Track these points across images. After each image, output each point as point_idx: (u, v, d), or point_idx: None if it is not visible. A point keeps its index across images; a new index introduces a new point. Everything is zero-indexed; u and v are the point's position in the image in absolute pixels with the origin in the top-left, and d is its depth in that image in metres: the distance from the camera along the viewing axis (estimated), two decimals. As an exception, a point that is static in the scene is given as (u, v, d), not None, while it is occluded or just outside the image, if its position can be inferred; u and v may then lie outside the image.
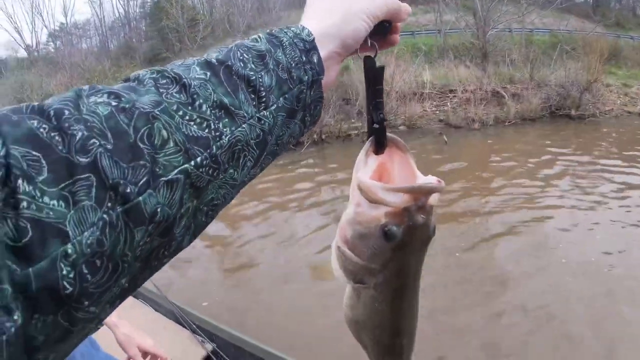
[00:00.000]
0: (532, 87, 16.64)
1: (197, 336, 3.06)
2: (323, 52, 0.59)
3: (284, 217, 8.51)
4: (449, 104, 16.28)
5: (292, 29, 0.58)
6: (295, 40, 0.57)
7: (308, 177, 10.96)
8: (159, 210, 0.42)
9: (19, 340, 0.34)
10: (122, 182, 0.39)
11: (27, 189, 0.35)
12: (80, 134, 0.39)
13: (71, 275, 0.37)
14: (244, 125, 0.50)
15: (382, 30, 0.66)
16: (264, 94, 0.52)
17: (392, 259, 0.63)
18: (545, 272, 5.78)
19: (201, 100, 0.47)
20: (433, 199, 0.60)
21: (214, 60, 0.51)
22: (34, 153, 0.36)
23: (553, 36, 22.49)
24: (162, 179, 0.42)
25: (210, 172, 0.46)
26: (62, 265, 0.36)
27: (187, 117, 0.45)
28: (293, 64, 0.55)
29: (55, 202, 0.36)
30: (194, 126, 0.45)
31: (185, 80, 0.47)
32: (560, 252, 6.28)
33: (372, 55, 0.67)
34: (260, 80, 0.52)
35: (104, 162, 0.39)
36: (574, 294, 5.20)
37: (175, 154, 0.43)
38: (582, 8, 29.88)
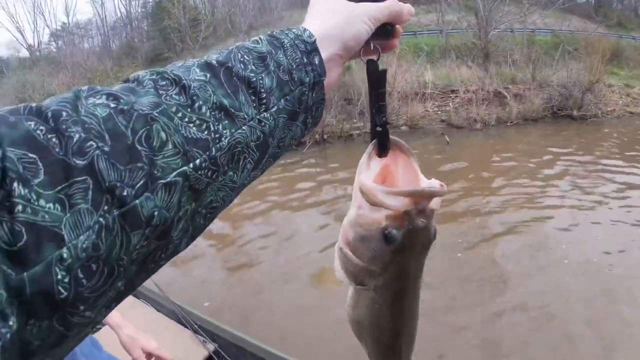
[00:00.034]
0: (534, 87, 16.62)
1: (199, 336, 3.06)
2: (324, 54, 0.58)
3: (285, 216, 8.52)
4: (450, 104, 16.26)
5: (294, 30, 0.58)
6: (296, 42, 0.56)
7: (310, 176, 10.96)
8: (156, 213, 0.41)
9: (15, 346, 0.34)
10: (119, 184, 0.39)
11: (22, 192, 0.35)
12: (77, 136, 0.38)
13: (66, 280, 0.36)
14: (244, 127, 0.49)
15: (385, 33, 0.66)
16: (264, 95, 0.52)
17: (392, 262, 0.63)
18: (546, 271, 5.78)
19: (201, 102, 0.47)
20: (434, 203, 0.61)
21: (214, 62, 0.50)
22: (31, 155, 0.36)
23: (555, 36, 22.45)
24: (160, 181, 0.41)
25: (209, 174, 0.46)
26: (57, 270, 0.36)
27: (186, 119, 0.45)
28: (294, 66, 0.55)
29: (51, 205, 0.36)
30: (193, 128, 0.45)
31: (185, 81, 0.47)
32: (560, 252, 6.27)
33: (375, 59, 0.67)
34: (261, 81, 0.52)
35: (101, 164, 0.38)
36: (574, 293, 5.20)
37: (174, 156, 0.43)
38: (584, 8, 29.83)
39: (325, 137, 14.08)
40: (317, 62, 0.57)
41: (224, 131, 0.47)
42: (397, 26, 0.68)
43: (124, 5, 37.64)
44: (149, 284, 3.39)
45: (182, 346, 3.01)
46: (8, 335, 0.33)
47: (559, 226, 7.12)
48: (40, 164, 0.36)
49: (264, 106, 0.51)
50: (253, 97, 0.51)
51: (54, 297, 0.36)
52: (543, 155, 11.50)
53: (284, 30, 0.58)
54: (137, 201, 0.40)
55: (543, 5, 23.25)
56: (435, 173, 10.20)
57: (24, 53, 35.19)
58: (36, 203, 0.35)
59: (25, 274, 0.34)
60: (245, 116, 0.50)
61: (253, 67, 0.52)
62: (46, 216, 0.35)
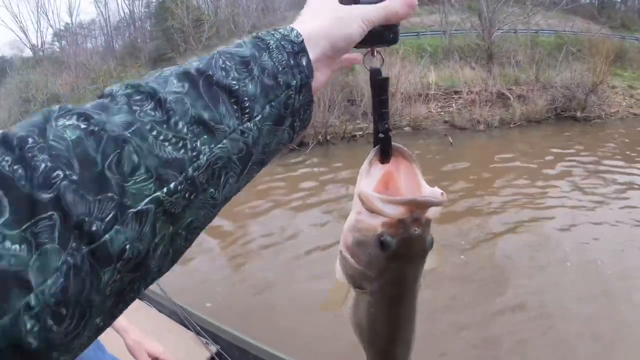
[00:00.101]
0: (538, 88, 16.61)
1: (201, 338, 3.07)
2: (313, 54, 0.56)
3: (287, 215, 8.54)
4: (454, 105, 16.26)
5: (280, 30, 0.55)
6: (283, 43, 0.53)
7: (313, 176, 11.00)
8: (127, 247, 0.39)
9: None
10: (87, 219, 0.36)
11: None
12: (43, 165, 0.36)
13: (36, 329, 0.34)
14: (224, 141, 0.46)
15: (386, 40, 0.65)
16: (247, 104, 0.49)
17: (387, 268, 0.64)
18: (546, 272, 5.83)
19: (177, 117, 0.43)
20: (431, 212, 0.61)
21: (192, 71, 0.47)
22: None
23: (558, 37, 22.44)
24: (131, 210, 0.39)
25: (186, 196, 0.43)
26: (26, 319, 0.33)
27: (161, 137, 0.42)
28: (280, 69, 0.52)
29: (17, 246, 0.33)
30: (169, 147, 0.42)
31: (160, 95, 0.44)
32: (561, 252, 6.32)
33: (378, 66, 0.67)
34: (244, 89, 0.49)
35: (69, 197, 0.36)
36: (574, 294, 5.24)
37: (146, 181, 0.40)
38: (587, 9, 29.84)
39: (328, 137, 14.08)
40: (304, 64, 0.54)
41: (203, 147, 0.44)
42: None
43: (127, 5, 37.79)
44: (152, 285, 3.39)
45: (184, 348, 3.01)
46: None
47: (560, 227, 7.16)
48: (5, 202, 0.34)
49: (247, 116, 0.48)
50: (235, 107, 0.48)
51: (24, 348, 0.34)
52: (545, 156, 11.54)
53: (270, 31, 0.55)
54: (106, 236, 0.37)
55: (546, 6, 23.28)
56: (438, 173, 10.37)
57: (28, 53, 35.45)
58: (1, 246, 0.33)
59: None
60: (227, 128, 0.46)
61: (235, 74, 0.49)
62: (12, 260, 0.33)
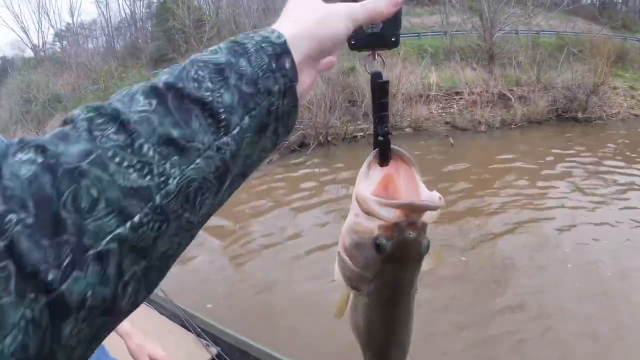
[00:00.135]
0: (539, 89, 16.62)
1: (202, 340, 3.07)
2: (297, 56, 0.52)
3: (288, 216, 8.55)
4: (455, 106, 16.27)
5: (261, 32, 0.51)
6: (263, 45, 0.49)
7: (313, 177, 11.01)
8: (89, 294, 0.35)
9: None
10: (42, 267, 0.33)
11: None
12: None
13: None
14: (198, 161, 0.42)
15: (387, 43, 0.65)
16: (224, 116, 0.44)
17: (383, 270, 0.65)
18: (546, 272, 5.84)
19: (142, 139, 0.39)
20: (428, 216, 0.62)
21: (160, 85, 0.43)
22: None
23: (560, 38, 22.42)
24: (90, 252, 0.35)
25: (155, 227, 0.39)
26: None
27: (125, 163, 0.38)
28: (260, 74, 0.48)
29: None
30: (134, 174, 0.38)
31: (124, 116, 0.40)
32: (561, 252, 6.34)
33: (379, 69, 0.68)
34: (219, 100, 0.44)
35: (23, 243, 0.32)
36: (573, 294, 5.25)
37: (107, 216, 0.36)
38: (588, 10, 29.80)
39: (329, 138, 14.09)
40: (287, 66, 0.50)
41: (172, 170, 0.40)
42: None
43: (129, 5, 37.79)
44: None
45: (185, 349, 3.01)
46: None
47: (560, 227, 7.17)
48: None
49: (223, 129, 0.44)
50: (210, 121, 0.43)
51: None
52: (546, 157, 11.55)
53: (249, 34, 0.51)
54: (63, 286, 0.33)
55: (547, 7, 23.25)
56: (439, 174, 10.38)
57: (29, 53, 35.47)
58: None
59: None
60: (200, 146, 0.42)
61: (209, 84, 0.44)
62: None
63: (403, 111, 15.07)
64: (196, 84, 0.44)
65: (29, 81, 24.90)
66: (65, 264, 0.34)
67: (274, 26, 0.54)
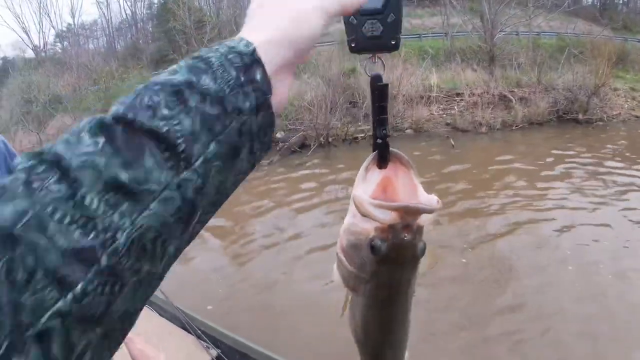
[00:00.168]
0: (540, 90, 16.62)
1: (202, 342, 3.07)
2: (270, 65, 0.45)
3: (288, 216, 8.56)
4: (456, 107, 16.27)
5: (227, 43, 0.45)
6: (229, 57, 0.43)
7: (314, 177, 11.03)
8: None
9: None
10: None
11: None
12: None
13: None
14: (152, 205, 0.36)
15: (388, 46, 0.65)
16: (183, 147, 0.38)
17: (378, 272, 0.65)
18: (545, 272, 5.84)
19: (85, 189, 0.34)
20: (423, 219, 0.62)
21: (109, 120, 0.37)
22: None
23: (560, 39, 22.40)
24: (29, 333, 0.30)
25: (107, 290, 0.34)
26: None
27: (66, 220, 0.32)
28: (227, 91, 0.41)
29: None
30: (77, 231, 0.33)
31: (64, 162, 0.34)
32: (560, 253, 6.34)
33: (379, 71, 0.67)
34: (177, 128, 0.38)
35: None
36: (573, 294, 5.25)
37: (45, 288, 0.31)
38: (589, 11, 29.76)
39: (330, 140, 14.09)
40: (258, 78, 0.44)
41: (122, 222, 0.34)
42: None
43: (130, 6, 37.87)
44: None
45: (185, 351, 3.01)
46: None
47: (560, 228, 7.17)
48: None
49: (183, 162, 0.38)
50: (167, 154, 0.37)
51: None
52: (547, 158, 11.55)
53: (214, 46, 0.45)
54: None
55: (548, 8, 23.23)
56: (439, 175, 10.38)
57: (30, 53, 35.42)
58: None
59: None
60: (155, 187, 0.36)
61: (164, 111, 0.38)
62: None
63: (404, 112, 15.07)
64: (150, 112, 0.38)
65: (29, 82, 24.87)
66: (2, 350, 0.29)
67: (241, 33, 0.48)
